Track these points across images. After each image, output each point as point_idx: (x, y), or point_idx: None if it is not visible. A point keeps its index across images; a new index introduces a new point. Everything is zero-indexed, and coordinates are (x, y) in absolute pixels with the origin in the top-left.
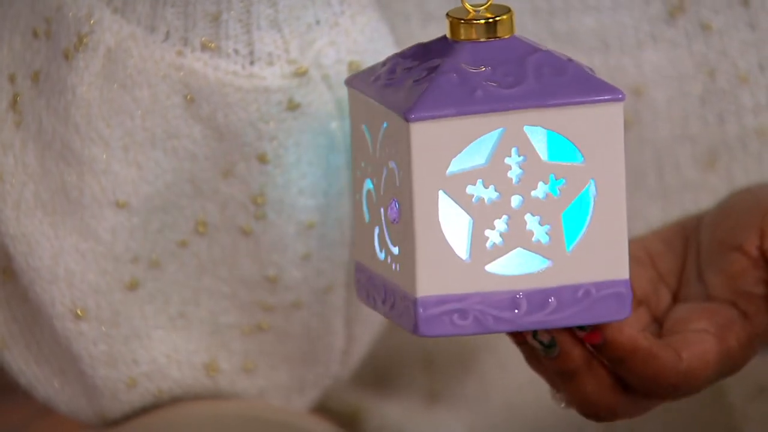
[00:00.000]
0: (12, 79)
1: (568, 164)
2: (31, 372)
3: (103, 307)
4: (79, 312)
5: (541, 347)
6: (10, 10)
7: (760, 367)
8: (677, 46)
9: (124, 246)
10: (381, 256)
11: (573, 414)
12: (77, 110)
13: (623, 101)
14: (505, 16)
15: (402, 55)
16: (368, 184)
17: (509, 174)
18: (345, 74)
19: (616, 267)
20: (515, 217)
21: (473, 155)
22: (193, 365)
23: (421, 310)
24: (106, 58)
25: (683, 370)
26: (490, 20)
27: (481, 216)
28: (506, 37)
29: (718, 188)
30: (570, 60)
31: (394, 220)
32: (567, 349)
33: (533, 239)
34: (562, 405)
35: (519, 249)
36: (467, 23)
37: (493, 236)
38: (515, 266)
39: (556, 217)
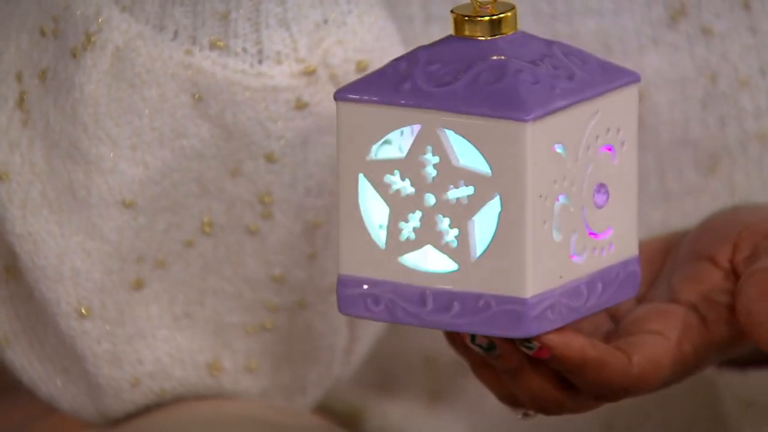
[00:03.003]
0: (19, 77)
1: (477, 173)
2: (34, 370)
3: (108, 306)
4: (83, 311)
5: (480, 350)
6: (17, 8)
7: (747, 383)
8: (678, 49)
9: (129, 245)
10: None
11: (575, 415)
12: (85, 109)
13: (528, 122)
14: (508, 14)
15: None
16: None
17: (424, 171)
18: (352, 73)
19: (516, 284)
20: (428, 214)
21: (395, 146)
22: (197, 365)
23: (340, 289)
24: (114, 57)
25: (634, 374)
26: (494, 17)
27: (397, 207)
28: (509, 33)
29: (719, 192)
30: (519, 71)
31: None
32: (507, 349)
33: (443, 240)
34: (519, 416)
35: (429, 246)
36: (470, 19)
37: (406, 229)
38: (426, 263)
39: (464, 222)
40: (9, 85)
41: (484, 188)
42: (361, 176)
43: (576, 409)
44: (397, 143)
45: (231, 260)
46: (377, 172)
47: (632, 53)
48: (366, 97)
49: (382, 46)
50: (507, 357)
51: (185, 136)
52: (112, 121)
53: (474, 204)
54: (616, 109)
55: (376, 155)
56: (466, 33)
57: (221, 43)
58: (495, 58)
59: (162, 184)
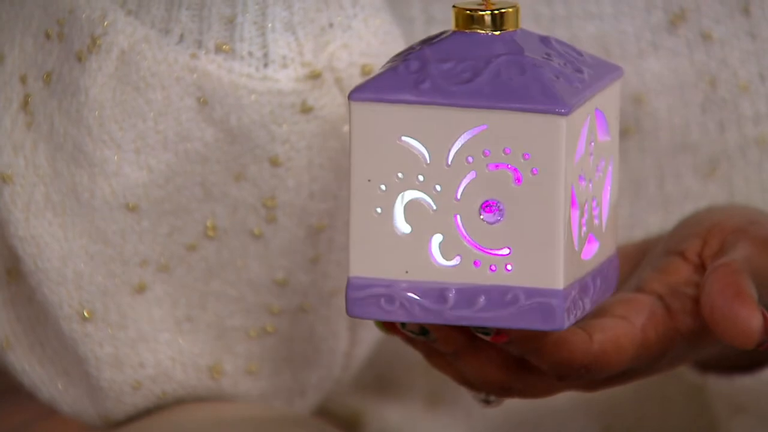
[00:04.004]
0: (23, 80)
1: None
2: (35, 373)
3: (110, 309)
4: (86, 314)
5: (413, 335)
6: (22, 11)
7: (735, 389)
8: (678, 54)
9: (133, 249)
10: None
11: (573, 417)
12: (89, 112)
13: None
14: (510, 9)
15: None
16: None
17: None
18: (358, 77)
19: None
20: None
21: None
22: (198, 368)
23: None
24: (120, 60)
25: (594, 351)
26: (496, 12)
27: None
28: (511, 30)
29: (718, 197)
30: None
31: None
32: (442, 334)
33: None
34: (480, 402)
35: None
36: (472, 15)
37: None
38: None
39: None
40: (13, 88)
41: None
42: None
43: (526, 393)
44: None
45: (234, 264)
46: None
47: (632, 58)
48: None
49: (387, 49)
50: (443, 341)
51: (189, 140)
52: (116, 124)
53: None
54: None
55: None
56: (468, 28)
57: (227, 47)
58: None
59: (166, 188)
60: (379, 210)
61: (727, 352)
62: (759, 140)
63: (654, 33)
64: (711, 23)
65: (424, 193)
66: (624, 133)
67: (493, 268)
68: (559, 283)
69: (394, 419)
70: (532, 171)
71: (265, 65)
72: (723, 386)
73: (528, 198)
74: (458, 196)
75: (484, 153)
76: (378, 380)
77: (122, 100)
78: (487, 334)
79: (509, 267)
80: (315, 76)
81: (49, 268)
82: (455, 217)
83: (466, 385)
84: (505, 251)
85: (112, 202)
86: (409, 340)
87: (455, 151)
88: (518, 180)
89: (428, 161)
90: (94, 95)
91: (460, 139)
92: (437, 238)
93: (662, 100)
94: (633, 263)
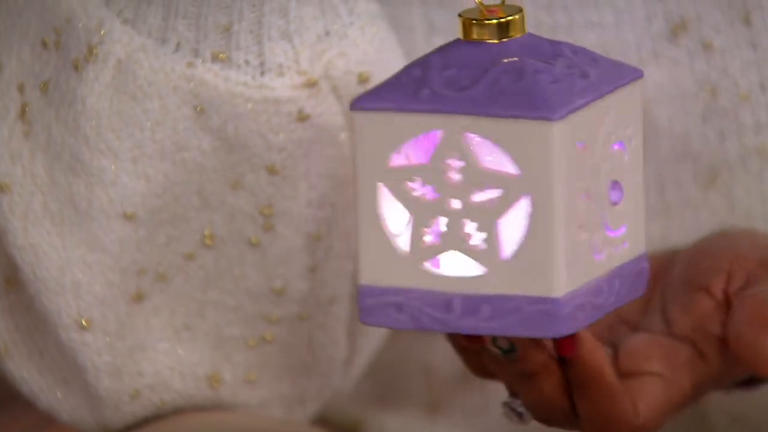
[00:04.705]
0: (21, 89)
1: (505, 174)
2: (34, 381)
3: (108, 318)
4: (84, 323)
5: (500, 353)
6: (19, 20)
7: (733, 399)
8: (679, 64)
9: (130, 258)
10: None
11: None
12: (87, 121)
13: (555, 121)
14: (516, 17)
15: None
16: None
17: (449, 175)
18: (354, 85)
19: (547, 284)
20: (453, 218)
21: (415, 152)
22: (197, 377)
23: (361, 299)
24: (116, 70)
25: (638, 425)
26: (502, 20)
27: (420, 213)
28: (517, 36)
29: (718, 206)
30: (537, 72)
31: None
32: (527, 352)
33: (470, 243)
34: (515, 419)
35: (455, 251)
36: (479, 23)
37: (430, 235)
38: (452, 268)
39: (492, 225)
40: (11, 97)
41: (511, 189)
42: (380, 185)
43: (575, 425)
44: (405, 150)
45: (232, 273)
46: (397, 180)
47: None
48: (384, 105)
49: (383, 58)
50: (524, 360)
51: (187, 149)
52: (113, 133)
53: (502, 206)
54: (625, 105)
55: (395, 163)
56: (475, 37)
57: (223, 56)
58: (510, 60)
59: (163, 197)
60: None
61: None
62: (759, 150)
63: (655, 42)
64: (712, 32)
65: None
66: None
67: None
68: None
69: (393, 427)
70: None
71: (262, 74)
72: (721, 398)
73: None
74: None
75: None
76: (378, 388)
77: (119, 110)
78: (509, 352)
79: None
80: (311, 84)
81: (48, 277)
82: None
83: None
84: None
85: (109, 211)
86: (464, 353)
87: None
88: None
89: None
90: (91, 104)
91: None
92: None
93: (663, 109)
94: (649, 283)
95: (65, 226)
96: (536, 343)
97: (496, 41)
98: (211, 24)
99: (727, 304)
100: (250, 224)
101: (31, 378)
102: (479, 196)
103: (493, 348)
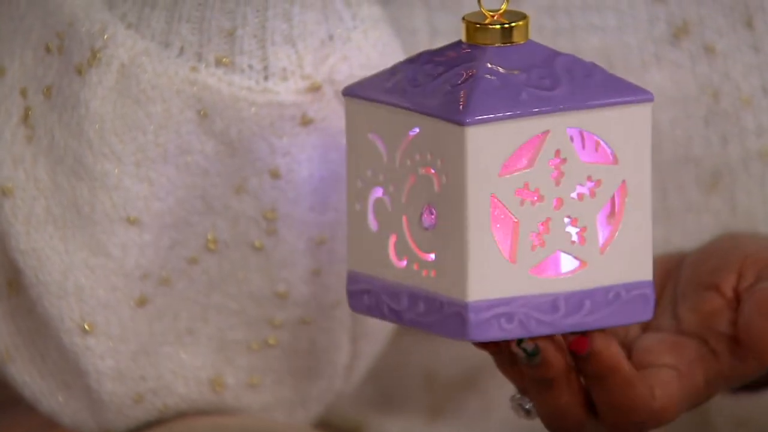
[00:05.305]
0: (24, 93)
1: (603, 166)
2: (36, 385)
3: (111, 322)
4: (87, 327)
5: (524, 355)
6: (21, 25)
7: (739, 404)
8: (681, 67)
9: (134, 262)
10: (401, 264)
11: None
12: (90, 125)
13: (652, 102)
14: (521, 22)
15: (412, 62)
16: (377, 193)
17: (552, 177)
18: None
19: (643, 268)
20: (555, 219)
21: (519, 158)
22: (199, 381)
23: (472, 315)
24: (120, 74)
25: (656, 408)
26: (506, 25)
27: (526, 219)
28: (522, 42)
29: (720, 210)
30: (594, 64)
31: (430, 226)
32: (549, 358)
33: (571, 241)
34: (522, 414)
35: (559, 251)
36: (483, 27)
37: (536, 239)
38: (555, 268)
39: (591, 218)
40: (14, 101)
41: (610, 179)
42: (492, 196)
43: None
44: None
45: (235, 277)
46: (507, 188)
47: (635, 70)
48: (494, 116)
49: (386, 62)
50: (546, 365)
51: (190, 153)
52: (116, 137)
53: (601, 197)
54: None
55: (504, 172)
56: (479, 41)
57: (227, 60)
58: (561, 56)
59: (166, 201)
60: (357, 207)
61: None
62: (761, 153)
63: (657, 46)
64: (714, 36)
65: (385, 192)
66: None
67: (425, 272)
68: (470, 296)
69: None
70: (446, 177)
71: (265, 78)
72: (726, 402)
73: (444, 205)
74: (404, 199)
75: (417, 156)
76: (379, 392)
77: (122, 114)
78: (533, 355)
79: (433, 274)
80: (315, 88)
81: (50, 281)
82: (404, 218)
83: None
84: (432, 256)
85: (112, 215)
86: (496, 354)
87: (401, 152)
88: (438, 186)
89: (385, 160)
90: (95, 108)
91: (404, 140)
92: (393, 239)
93: (665, 112)
94: (658, 283)
95: (68, 230)
96: (559, 348)
97: (494, 45)
98: (215, 28)
99: (737, 302)
100: (253, 228)
101: (33, 382)
102: (580, 190)
103: (518, 350)
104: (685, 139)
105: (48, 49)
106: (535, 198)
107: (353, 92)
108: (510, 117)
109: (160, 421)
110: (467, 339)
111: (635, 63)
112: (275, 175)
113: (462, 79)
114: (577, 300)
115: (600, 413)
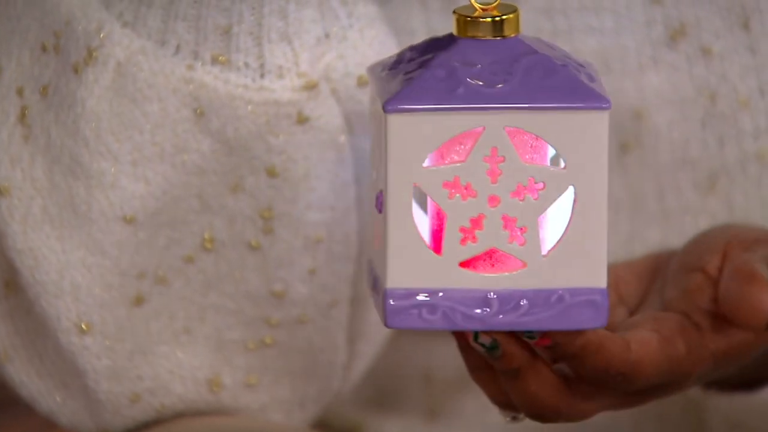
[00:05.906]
0: (20, 92)
1: (548, 168)
2: (33, 385)
3: (108, 321)
4: (84, 326)
5: (483, 349)
6: (18, 24)
7: (734, 405)
8: (678, 69)
9: (130, 261)
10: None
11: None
12: (86, 124)
13: (608, 110)
14: (511, 15)
15: (412, 48)
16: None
17: (487, 173)
18: (353, 87)
19: (594, 275)
20: (491, 217)
21: (452, 151)
22: (197, 381)
23: (389, 302)
24: (116, 72)
25: (632, 360)
26: (497, 18)
27: (455, 213)
28: (512, 36)
29: (717, 212)
30: (565, 66)
31: (380, 211)
32: (509, 349)
33: (508, 241)
34: (508, 419)
35: (493, 249)
36: (473, 21)
37: (467, 234)
38: (488, 266)
39: (533, 220)
40: (10, 101)
41: (556, 182)
42: (414, 186)
43: (571, 416)
44: (450, 149)
45: (232, 276)
46: (433, 180)
47: (632, 72)
48: (418, 106)
49: None
50: (508, 357)
51: (186, 151)
52: (113, 136)
53: (544, 200)
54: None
55: (431, 163)
56: (468, 33)
57: (223, 58)
58: (535, 55)
59: (163, 200)
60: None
61: (741, 370)
62: (758, 155)
63: (654, 48)
64: (711, 38)
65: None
66: (624, 148)
67: (376, 260)
68: (388, 283)
69: None
70: (383, 165)
71: (262, 76)
72: (722, 403)
73: (383, 192)
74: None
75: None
76: (377, 393)
77: (119, 112)
78: (531, 338)
79: (378, 261)
80: (311, 86)
81: (47, 280)
82: None
83: (501, 404)
84: (376, 243)
85: (109, 214)
86: (462, 351)
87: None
88: (377, 173)
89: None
90: (91, 107)
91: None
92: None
93: (662, 115)
94: (645, 280)
95: (65, 230)
96: (517, 339)
97: (491, 38)
98: (211, 26)
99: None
100: (250, 227)
101: (31, 382)
102: (521, 192)
103: (476, 345)
104: (682, 141)
105: (44, 48)
106: (469, 193)
107: (399, 107)
108: (437, 110)
109: (157, 422)
110: (386, 326)
111: (632, 65)
112: (272, 173)
113: (414, 69)
114: (512, 299)
115: (580, 379)
